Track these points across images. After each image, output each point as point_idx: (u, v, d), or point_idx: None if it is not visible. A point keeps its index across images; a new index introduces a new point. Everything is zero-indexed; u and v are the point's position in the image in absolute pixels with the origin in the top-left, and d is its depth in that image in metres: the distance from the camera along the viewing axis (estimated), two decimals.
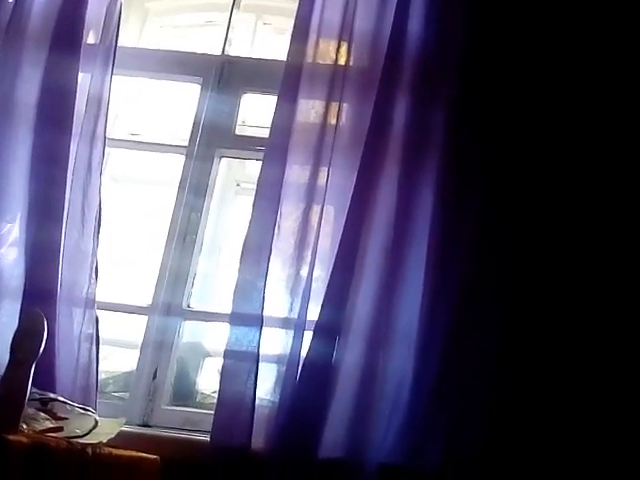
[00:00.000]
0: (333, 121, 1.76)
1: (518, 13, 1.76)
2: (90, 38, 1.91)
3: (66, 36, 1.87)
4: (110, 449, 1.40)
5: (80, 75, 1.85)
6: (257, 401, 1.60)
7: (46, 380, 1.54)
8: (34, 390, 1.39)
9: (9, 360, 1.36)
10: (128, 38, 2.15)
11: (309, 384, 1.60)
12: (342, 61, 1.81)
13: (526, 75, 1.72)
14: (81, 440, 1.37)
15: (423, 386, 1.57)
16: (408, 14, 1.77)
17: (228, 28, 2.10)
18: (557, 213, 1.65)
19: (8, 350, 1.38)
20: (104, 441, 1.41)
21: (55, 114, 1.81)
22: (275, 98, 1.79)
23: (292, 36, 1.84)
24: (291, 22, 1.86)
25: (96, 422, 1.43)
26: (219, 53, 2.07)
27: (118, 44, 1.90)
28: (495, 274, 1.62)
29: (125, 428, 1.55)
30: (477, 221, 1.64)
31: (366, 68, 1.79)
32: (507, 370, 1.57)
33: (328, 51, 1.82)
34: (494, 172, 1.66)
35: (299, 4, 1.85)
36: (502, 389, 1.56)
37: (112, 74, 1.87)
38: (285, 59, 1.82)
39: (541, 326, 1.59)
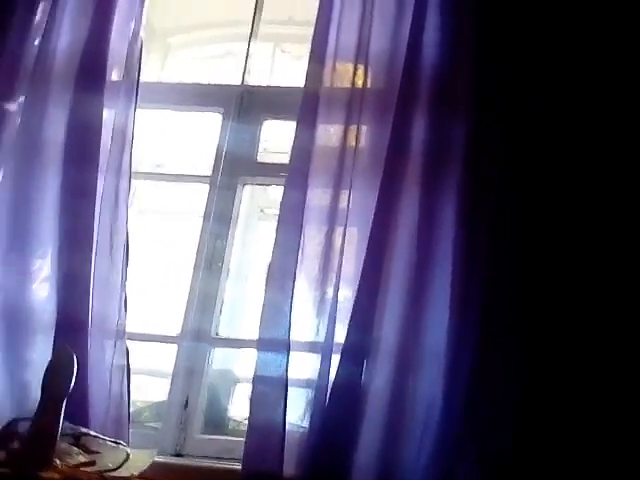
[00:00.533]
0: (352, 144, 1.77)
1: (530, 29, 1.75)
2: (113, 75, 1.96)
3: (90, 74, 1.93)
4: None
5: (105, 111, 1.90)
6: (287, 426, 1.60)
7: (79, 412, 1.56)
8: (66, 424, 1.42)
9: (40, 399, 1.39)
10: (150, 73, 2.21)
11: (339, 408, 1.59)
12: (359, 83, 1.82)
13: (543, 89, 1.70)
14: (113, 473, 1.38)
15: (453, 406, 1.54)
16: (423, 34, 1.78)
17: (247, 58, 2.13)
18: (582, 230, 1.62)
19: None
20: (136, 474, 1.42)
21: (82, 150, 1.86)
22: (295, 124, 1.81)
23: (309, 61, 1.86)
24: (308, 48, 1.89)
25: (128, 455, 1.45)
26: (239, 83, 2.11)
27: (140, 79, 1.94)
28: (520, 290, 1.59)
29: (158, 459, 1.56)
30: (500, 239, 1.62)
31: (383, 89, 1.80)
32: (537, 389, 1.54)
33: (345, 74, 1.84)
34: (515, 188, 1.65)
35: (315, 30, 1.87)
36: (533, 408, 1.53)
37: (135, 109, 1.91)
38: (303, 85, 1.84)
39: (569, 342, 1.56)
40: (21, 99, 1.95)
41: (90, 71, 1.93)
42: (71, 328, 1.70)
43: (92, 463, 1.39)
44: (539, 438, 1.51)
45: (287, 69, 2.28)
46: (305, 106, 1.81)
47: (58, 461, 1.34)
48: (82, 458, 1.39)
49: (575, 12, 1.75)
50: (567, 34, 1.74)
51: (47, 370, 1.42)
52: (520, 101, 1.70)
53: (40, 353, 1.71)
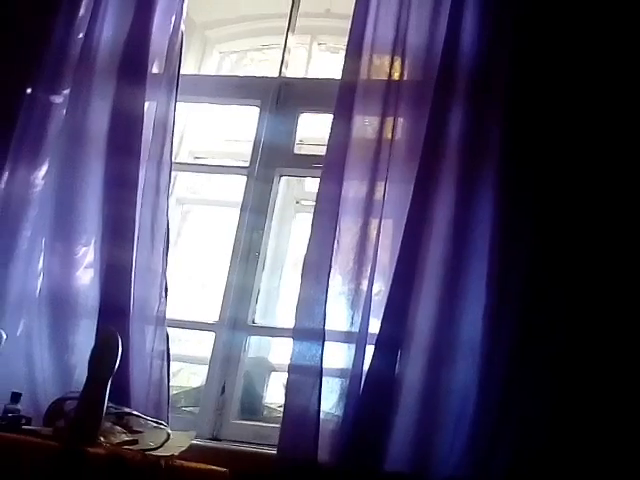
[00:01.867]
0: (389, 136, 1.78)
1: (569, 25, 1.73)
2: (154, 68, 2.01)
3: (132, 67, 1.97)
4: (182, 461, 1.46)
5: (146, 103, 1.95)
6: (322, 415, 1.62)
7: (121, 395, 1.61)
8: (110, 405, 1.47)
9: (87, 378, 1.45)
10: (190, 66, 2.25)
11: (372, 398, 1.61)
12: (396, 76, 1.82)
13: (581, 85, 1.69)
14: (155, 452, 1.43)
15: (488, 399, 1.55)
16: (460, 27, 1.78)
17: (284, 51, 2.16)
18: (617, 229, 1.61)
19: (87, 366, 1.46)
20: (176, 454, 1.46)
21: (124, 141, 1.91)
22: (331, 116, 1.83)
23: (346, 54, 1.87)
24: (345, 41, 1.90)
25: (168, 435, 1.49)
26: (276, 75, 2.13)
27: (181, 72, 1.98)
28: (558, 284, 1.58)
29: (195, 441, 1.61)
30: (536, 231, 1.61)
31: (420, 82, 1.81)
32: (575, 384, 1.53)
33: (382, 67, 1.85)
34: (552, 181, 1.64)
35: (352, 23, 1.88)
36: (570, 404, 1.52)
37: (176, 101, 1.95)
38: (340, 77, 1.86)
39: (605, 335, 1.55)
40: (66, 91, 2.01)
41: (132, 64, 1.98)
42: (113, 313, 1.75)
43: (134, 442, 1.44)
44: (575, 434, 1.50)
45: (324, 62, 2.29)
46: (342, 98, 1.82)
47: (102, 439, 1.40)
48: (125, 437, 1.45)
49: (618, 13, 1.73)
50: (603, 31, 1.72)
51: (93, 351, 1.48)
52: (558, 97, 1.69)
53: (84, 337, 1.77)
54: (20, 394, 1.54)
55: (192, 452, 1.52)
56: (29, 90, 2.01)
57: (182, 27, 2.01)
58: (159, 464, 1.39)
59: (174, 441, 1.49)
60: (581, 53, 1.71)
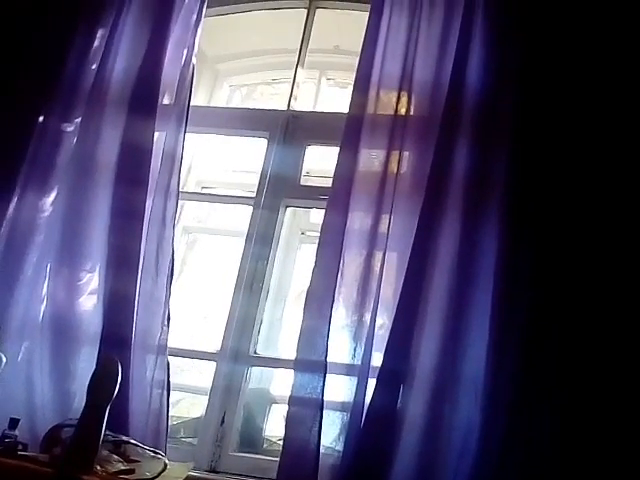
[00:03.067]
0: (394, 169, 1.80)
1: (573, 60, 1.76)
2: (165, 99, 2.04)
3: (143, 98, 2.01)
4: None
5: (156, 134, 1.98)
6: (322, 448, 1.60)
7: (120, 424, 1.60)
8: (108, 433, 1.46)
9: (85, 403, 1.44)
10: (200, 98, 2.29)
11: (374, 432, 1.59)
12: (402, 111, 1.85)
13: (585, 124, 1.70)
14: None
15: (491, 436, 1.53)
16: (466, 64, 1.81)
17: (293, 85, 2.19)
18: (622, 262, 1.60)
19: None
20: None
21: (133, 171, 1.94)
22: (338, 149, 1.85)
23: (354, 89, 1.90)
24: (353, 76, 1.93)
25: (165, 466, 1.47)
26: (284, 108, 2.17)
27: (191, 104, 2.02)
28: (562, 319, 1.57)
29: (193, 473, 1.59)
30: (542, 267, 1.61)
31: (426, 117, 1.83)
32: (578, 418, 1.51)
33: (389, 102, 1.87)
34: (556, 217, 1.64)
35: (360, 59, 1.92)
36: (573, 438, 1.50)
37: (185, 132, 1.98)
38: (347, 111, 1.88)
39: (611, 371, 1.53)
40: (77, 120, 2.05)
41: (143, 95, 2.01)
42: (115, 341, 1.75)
43: (131, 471, 1.42)
44: (580, 471, 1.47)
45: (332, 96, 2.32)
46: (348, 132, 1.85)
47: (98, 467, 1.38)
48: (122, 466, 1.43)
49: (623, 44, 1.75)
50: (610, 67, 1.74)
51: (93, 377, 1.47)
52: (563, 133, 1.70)
53: (85, 364, 1.77)
54: (18, 420, 1.53)
55: None
56: (41, 118, 2.04)
57: (194, 60, 2.05)
58: None
59: (171, 472, 1.47)
60: (587, 88, 1.73)
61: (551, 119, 1.72)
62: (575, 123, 1.71)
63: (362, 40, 1.92)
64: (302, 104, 2.23)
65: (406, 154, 1.82)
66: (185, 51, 2.05)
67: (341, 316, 1.71)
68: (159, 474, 1.43)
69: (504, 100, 1.76)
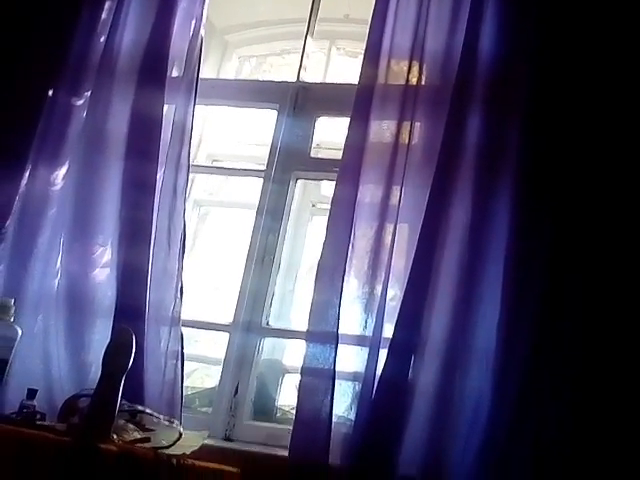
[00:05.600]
0: (405, 140, 1.78)
1: (589, 29, 1.72)
2: (174, 71, 2.03)
3: (152, 71, 2.00)
4: (193, 461, 1.46)
5: (165, 106, 1.97)
6: (334, 418, 1.62)
7: (135, 394, 1.62)
8: (124, 402, 1.48)
9: (101, 374, 1.46)
10: (209, 70, 2.27)
11: (385, 402, 1.60)
12: (414, 81, 1.82)
13: (600, 91, 1.67)
14: (167, 451, 1.44)
15: (502, 406, 1.54)
16: (479, 32, 1.77)
17: (302, 55, 2.17)
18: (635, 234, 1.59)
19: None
20: (188, 453, 1.47)
21: (143, 144, 1.94)
22: (348, 120, 1.83)
23: (364, 59, 1.88)
24: (363, 46, 1.90)
25: (180, 434, 1.50)
26: (294, 80, 2.14)
27: (200, 76, 2.00)
28: (575, 291, 1.57)
29: (208, 441, 1.62)
30: (554, 238, 1.60)
31: (438, 87, 1.80)
32: (589, 389, 1.51)
33: (400, 72, 1.85)
34: (570, 189, 1.63)
35: (370, 27, 1.89)
36: (584, 408, 1.50)
37: (194, 104, 1.97)
38: (357, 82, 1.86)
39: (622, 343, 1.53)
40: (87, 94, 2.04)
41: (152, 67, 2.00)
42: (129, 313, 1.77)
43: (147, 440, 1.45)
44: (591, 442, 1.48)
45: (342, 66, 2.30)
46: (359, 102, 1.83)
47: (115, 436, 1.41)
48: (137, 435, 1.45)
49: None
50: (628, 36, 1.70)
51: (108, 348, 1.49)
52: (577, 100, 1.67)
53: (100, 336, 1.79)
54: (36, 390, 1.56)
55: (204, 452, 1.53)
56: (51, 92, 2.04)
57: (202, 31, 2.03)
58: (171, 462, 1.40)
59: (186, 440, 1.49)
60: (604, 58, 1.69)
61: (565, 89, 1.69)
62: (590, 93, 1.68)
63: (372, 8, 1.88)
64: (312, 75, 2.20)
65: (417, 125, 1.80)
66: (193, 22, 2.03)
67: (352, 288, 1.71)
68: (174, 442, 1.46)
69: (517, 69, 1.73)
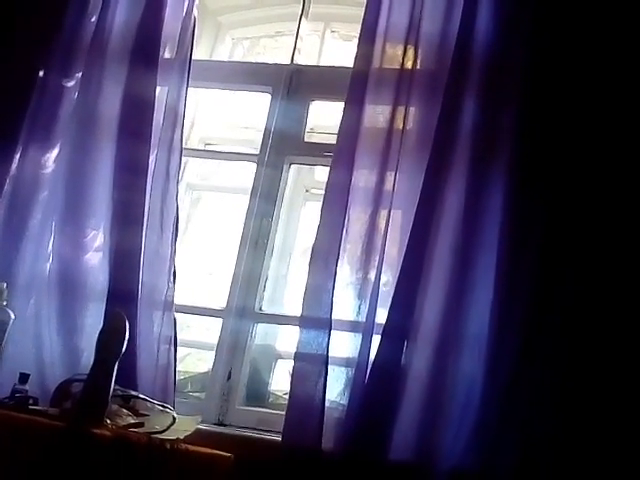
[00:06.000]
0: (400, 125, 1.77)
1: (588, 13, 1.70)
2: (166, 53, 2.01)
3: (144, 52, 1.97)
4: (187, 445, 1.46)
5: (158, 88, 1.95)
6: (327, 403, 1.63)
7: (128, 379, 1.63)
8: (117, 387, 1.48)
9: (94, 359, 1.46)
10: (202, 51, 2.24)
11: (378, 387, 1.61)
12: (409, 65, 1.81)
13: (597, 77, 1.66)
14: (160, 436, 1.44)
15: (494, 390, 1.55)
16: (475, 16, 1.76)
17: (297, 38, 2.14)
18: (631, 221, 1.59)
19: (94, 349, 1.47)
20: (181, 437, 1.47)
21: (135, 126, 1.92)
22: (342, 104, 1.82)
23: (359, 42, 1.86)
24: (358, 28, 1.88)
25: (174, 419, 1.50)
26: (288, 62, 2.12)
27: (192, 57, 1.98)
28: (567, 276, 1.57)
29: (201, 426, 1.62)
30: (548, 224, 1.60)
31: (433, 71, 1.79)
32: (580, 373, 1.53)
33: (395, 55, 1.83)
34: (564, 174, 1.63)
35: (365, 10, 1.87)
36: (576, 394, 1.52)
37: (187, 86, 1.95)
38: (352, 65, 1.84)
39: (615, 327, 1.54)
40: (78, 75, 2.01)
41: (144, 48, 1.98)
42: (122, 298, 1.76)
43: (140, 425, 1.45)
44: (582, 425, 1.50)
45: (337, 49, 2.27)
46: (353, 86, 1.81)
47: (108, 421, 1.41)
48: (131, 419, 1.46)
49: None
50: (626, 20, 1.69)
51: (101, 333, 1.49)
52: (575, 85, 1.67)
53: (92, 320, 1.79)
54: (28, 375, 1.56)
55: (197, 437, 1.53)
56: (41, 73, 2.01)
57: (195, 12, 2.01)
58: (164, 447, 1.40)
59: (180, 425, 1.50)
60: (600, 44, 1.69)
61: (561, 74, 1.68)
62: (586, 79, 1.67)
63: None
64: (306, 58, 2.18)
65: (412, 109, 1.79)
66: (186, 3, 2.01)
67: (346, 273, 1.71)
68: (168, 427, 1.46)
69: (513, 54, 1.71)
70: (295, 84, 2.06)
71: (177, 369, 1.79)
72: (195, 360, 2.15)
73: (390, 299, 1.65)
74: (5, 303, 1.63)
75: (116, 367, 1.45)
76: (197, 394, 1.99)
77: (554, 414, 1.51)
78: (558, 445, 1.49)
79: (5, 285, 1.65)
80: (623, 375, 1.51)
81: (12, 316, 1.62)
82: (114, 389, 1.44)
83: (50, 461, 1.24)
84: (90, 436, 1.30)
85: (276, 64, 2.17)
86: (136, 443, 1.37)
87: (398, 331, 1.63)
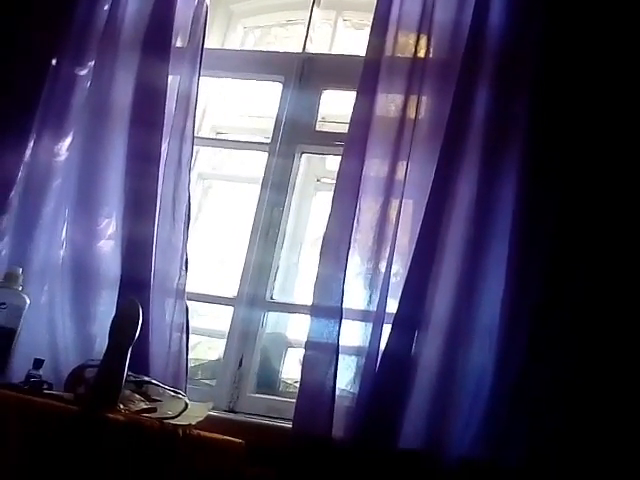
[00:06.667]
0: (412, 114, 1.76)
1: (602, 3, 1.69)
2: (178, 41, 2.01)
3: (156, 40, 1.97)
4: (199, 431, 1.48)
5: (170, 77, 1.95)
6: (337, 391, 1.63)
7: (140, 366, 1.63)
8: (130, 373, 1.49)
9: (108, 345, 1.47)
10: (214, 40, 2.24)
11: (388, 376, 1.61)
12: (421, 54, 1.80)
13: (610, 65, 1.65)
14: (172, 421, 1.46)
15: (504, 381, 1.55)
16: (488, 4, 1.75)
17: (308, 26, 2.14)
18: None
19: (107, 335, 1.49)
20: (193, 423, 1.49)
21: (147, 114, 1.92)
22: (354, 93, 1.81)
23: (371, 30, 1.85)
24: (371, 17, 1.88)
25: (186, 405, 1.52)
26: (300, 51, 2.12)
27: (204, 46, 1.98)
28: (579, 269, 1.57)
29: (212, 413, 1.64)
30: (560, 215, 1.60)
31: (445, 60, 1.78)
32: (591, 364, 1.52)
33: (407, 44, 1.82)
34: (578, 165, 1.62)
35: None
36: (586, 384, 1.51)
37: (199, 75, 1.95)
38: (364, 54, 1.84)
39: (628, 319, 1.53)
40: (91, 63, 2.02)
41: (156, 37, 1.98)
42: (134, 285, 1.77)
43: (153, 410, 1.47)
44: (592, 416, 1.50)
45: (349, 38, 2.26)
46: (365, 75, 1.81)
47: (121, 406, 1.42)
48: (143, 405, 1.47)
49: None
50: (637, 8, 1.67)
51: (115, 319, 1.50)
52: (588, 75, 1.65)
53: (105, 307, 1.80)
54: (42, 360, 1.57)
55: (208, 423, 1.55)
56: (54, 61, 2.02)
57: (207, 0, 2.00)
58: (176, 432, 1.42)
59: (192, 411, 1.51)
60: (614, 32, 1.67)
61: (574, 63, 1.67)
62: (600, 67, 1.66)
63: None
64: (318, 46, 2.17)
65: (424, 99, 1.78)
66: None
67: (357, 263, 1.71)
68: (180, 413, 1.48)
69: (527, 43, 1.70)
70: (307, 73, 2.05)
71: (189, 356, 1.80)
72: (206, 348, 2.16)
73: (401, 289, 1.65)
74: (20, 288, 1.64)
75: (129, 353, 1.46)
76: (208, 381, 2.01)
77: (563, 406, 1.51)
78: (567, 437, 1.49)
79: (20, 270, 1.66)
80: (632, 371, 1.51)
81: (27, 301, 1.63)
82: (127, 375, 1.46)
83: (65, 444, 1.26)
84: (104, 420, 1.32)
85: (288, 53, 2.17)
86: (149, 428, 1.38)
87: (409, 321, 1.64)
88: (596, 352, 1.53)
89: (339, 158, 1.80)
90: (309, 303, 1.71)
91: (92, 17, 2.04)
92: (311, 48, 2.13)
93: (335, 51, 2.21)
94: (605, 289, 1.56)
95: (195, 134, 1.95)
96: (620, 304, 1.55)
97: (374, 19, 1.85)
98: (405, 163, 1.73)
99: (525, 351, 1.55)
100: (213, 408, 1.68)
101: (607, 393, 1.51)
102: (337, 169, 1.79)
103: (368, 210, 1.74)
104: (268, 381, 1.94)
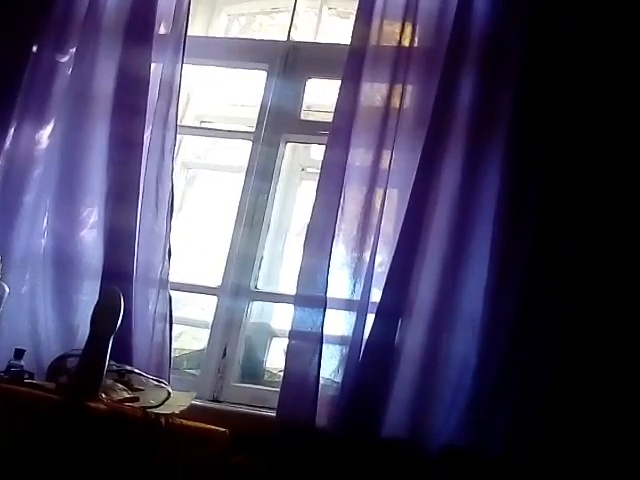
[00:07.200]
0: (397, 104, 1.76)
1: None
2: (161, 29, 1.99)
3: (139, 28, 1.95)
4: (182, 420, 1.47)
5: (152, 64, 1.93)
6: (321, 380, 1.64)
7: (123, 356, 1.63)
8: (112, 363, 1.49)
9: (89, 334, 1.46)
10: (197, 27, 2.22)
11: (372, 365, 1.62)
12: (406, 42, 1.80)
13: (596, 55, 1.66)
14: (155, 410, 1.45)
15: (487, 370, 1.56)
16: None
17: (293, 14, 2.12)
18: (628, 202, 1.59)
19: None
20: (176, 412, 1.48)
21: (129, 102, 1.90)
22: (339, 82, 1.81)
23: (356, 19, 1.85)
24: (356, 5, 1.87)
25: (169, 394, 1.51)
26: (284, 39, 2.10)
27: (188, 33, 1.96)
28: (562, 257, 1.58)
29: (196, 402, 1.63)
30: (544, 204, 1.60)
31: (430, 49, 1.78)
32: (573, 354, 1.54)
33: (392, 33, 1.82)
34: (562, 154, 1.62)
35: None
36: (568, 372, 1.53)
37: (182, 63, 1.93)
38: (349, 43, 1.83)
39: (610, 308, 1.55)
40: (72, 51, 1.99)
41: (139, 24, 1.96)
42: (117, 275, 1.76)
43: (135, 399, 1.46)
44: (574, 406, 1.51)
45: (333, 26, 2.25)
46: (350, 64, 1.80)
47: (103, 395, 1.42)
48: (126, 394, 1.46)
49: None
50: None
51: (96, 308, 1.49)
52: (572, 64, 1.66)
53: (87, 297, 1.79)
54: (24, 350, 1.56)
55: (192, 412, 1.54)
56: (35, 48, 1.99)
57: None
58: (159, 421, 1.41)
59: (175, 400, 1.51)
60: (601, 22, 1.67)
61: (559, 53, 1.67)
62: (584, 56, 1.66)
63: None
64: (302, 35, 2.16)
65: (409, 88, 1.78)
66: None
67: (341, 253, 1.72)
68: (163, 402, 1.47)
69: (512, 32, 1.70)
70: (291, 61, 2.04)
71: (172, 346, 1.79)
72: (190, 338, 2.16)
73: (385, 278, 1.65)
74: (0, 277, 1.62)
75: (111, 342, 1.45)
76: (192, 371, 2.00)
77: (546, 395, 1.52)
78: (549, 426, 1.51)
79: (0, 258, 1.64)
80: (616, 359, 1.52)
81: (7, 290, 1.61)
82: (109, 364, 1.45)
83: (46, 434, 1.25)
84: (86, 409, 1.31)
85: (272, 41, 2.15)
86: (131, 417, 1.38)
87: (392, 310, 1.64)
88: (580, 341, 1.54)
89: (324, 147, 1.79)
90: (293, 293, 1.71)
91: (74, 3, 2.02)
92: (296, 36, 2.12)
93: (320, 40, 2.20)
94: (590, 278, 1.57)
95: (179, 123, 1.93)
96: (605, 293, 1.56)
97: (359, 8, 1.85)
98: (390, 152, 1.74)
99: (508, 340, 1.57)
100: (197, 397, 1.68)
101: (591, 382, 1.53)
102: (322, 158, 1.78)
103: (353, 199, 1.74)
104: (252, 370, 1.94)
